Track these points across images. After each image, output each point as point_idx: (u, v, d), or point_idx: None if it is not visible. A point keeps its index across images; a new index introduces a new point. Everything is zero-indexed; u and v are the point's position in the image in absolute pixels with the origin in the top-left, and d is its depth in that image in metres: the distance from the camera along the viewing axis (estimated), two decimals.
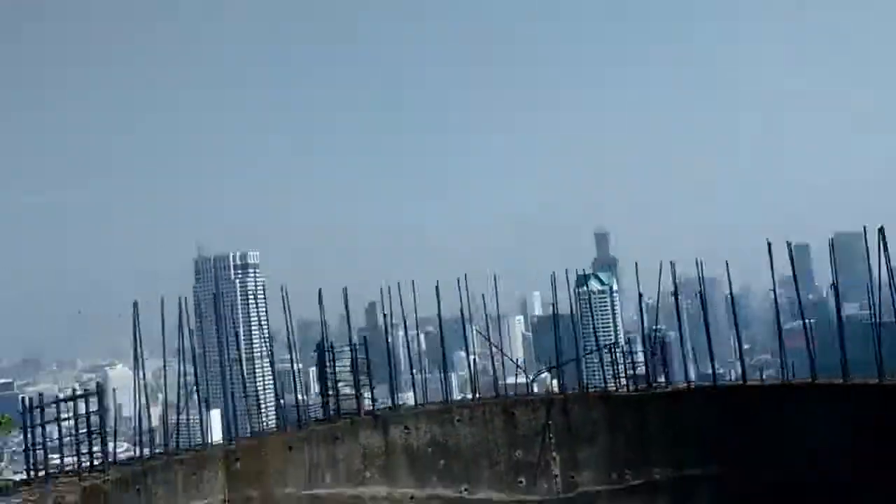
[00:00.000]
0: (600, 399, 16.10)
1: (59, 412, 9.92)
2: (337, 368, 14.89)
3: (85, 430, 10.17)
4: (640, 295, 16.32)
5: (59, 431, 10.02)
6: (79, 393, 10.01)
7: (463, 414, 15.69)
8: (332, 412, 15.14)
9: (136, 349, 11.20)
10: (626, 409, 16.06)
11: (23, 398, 9.57)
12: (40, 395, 9.52)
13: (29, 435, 9.68)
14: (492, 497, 15.68)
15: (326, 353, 14.86)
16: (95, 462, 10.65)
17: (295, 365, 14.73)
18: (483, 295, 16.69)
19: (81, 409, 10.40)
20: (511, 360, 16.58)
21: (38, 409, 9.67)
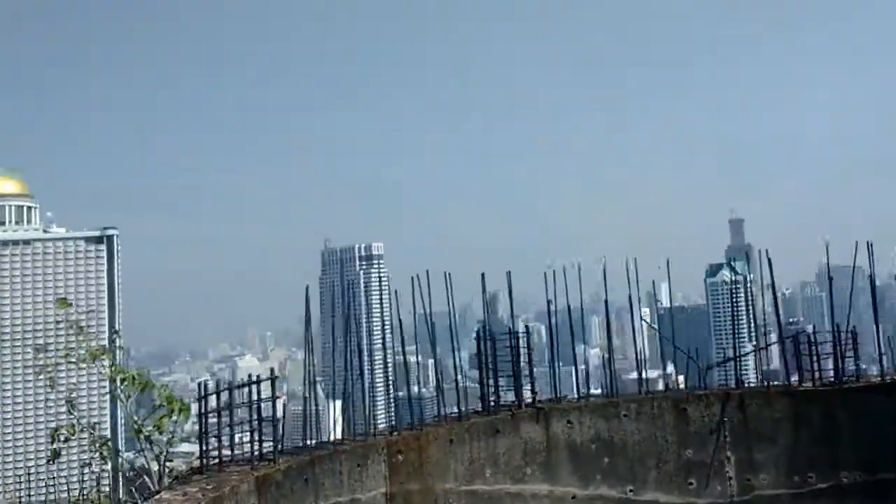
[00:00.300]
0: (782, 394, 14.69)
1: (231, 399, 9.61)
2: (497, 357, 14.09)
3: (257, 418, 9.85)
4: (830, 278, 14.82)
5: (231, 419, 9.73)
6: (253, 380, 9.70)
7: (630, 408, 14.59)
8: (490, 404, 14.36)
9: (306, 335, 10.83)
10: (812, 406, 14.59)
11: (199, 383, 9.28)
12: (217, 381, 9.27)
13: (203, 423, 9.45)
14: (659, 499, 14.54)
15: (486, 341, 14.08)
16: (265, 451, 10.35)
17: (455, 355, 14.07)
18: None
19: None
20: (682, 351, 15.39)
21: (215, 396, 9.39)
